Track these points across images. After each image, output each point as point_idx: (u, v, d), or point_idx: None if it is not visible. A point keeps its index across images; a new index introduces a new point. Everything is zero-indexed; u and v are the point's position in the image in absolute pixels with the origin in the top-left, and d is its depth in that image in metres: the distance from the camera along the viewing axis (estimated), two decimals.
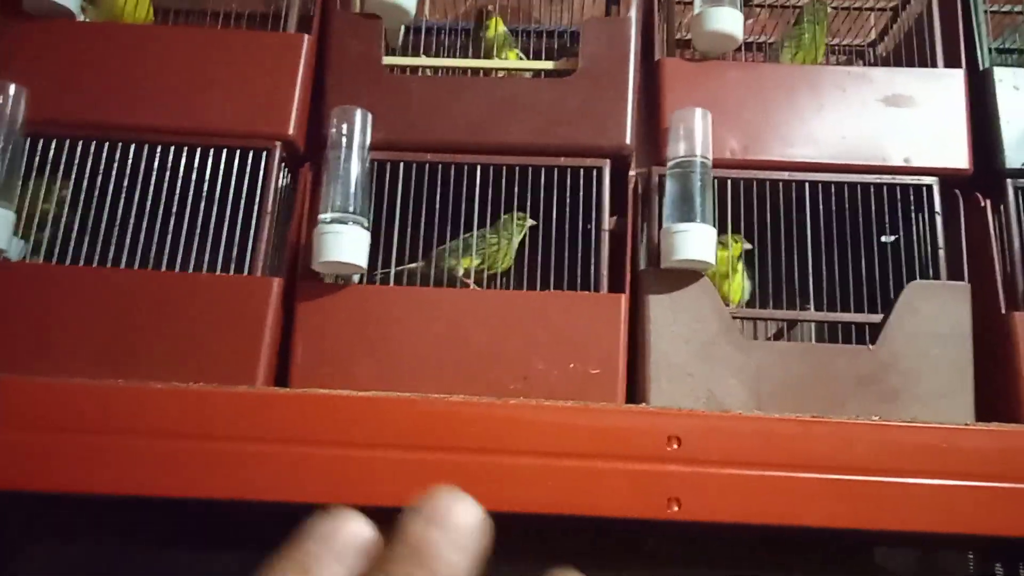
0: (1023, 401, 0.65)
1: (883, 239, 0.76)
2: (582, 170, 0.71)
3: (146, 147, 0.70)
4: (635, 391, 0.66)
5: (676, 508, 0.57)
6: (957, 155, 0.73)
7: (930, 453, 0.59)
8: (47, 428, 0.58)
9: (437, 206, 0.70)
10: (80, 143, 0.70)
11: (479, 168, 0.71)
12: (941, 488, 0.59)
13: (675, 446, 0.58)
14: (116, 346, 0.64)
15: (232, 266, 0.67)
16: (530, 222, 0.72)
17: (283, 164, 0.71)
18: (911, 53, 0.79)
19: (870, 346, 0.67)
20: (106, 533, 0.82)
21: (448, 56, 0.78)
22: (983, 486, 0.59)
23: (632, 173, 0.75)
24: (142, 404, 0.58)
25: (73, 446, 0.58)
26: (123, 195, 0.69)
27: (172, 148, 0.70)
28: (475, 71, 0.75)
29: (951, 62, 0.76)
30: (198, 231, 0.69)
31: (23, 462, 0.58)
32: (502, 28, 0.77)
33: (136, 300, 0.65)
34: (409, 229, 0.70)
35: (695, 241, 0.66)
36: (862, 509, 0.58)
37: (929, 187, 0.72)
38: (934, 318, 0.68)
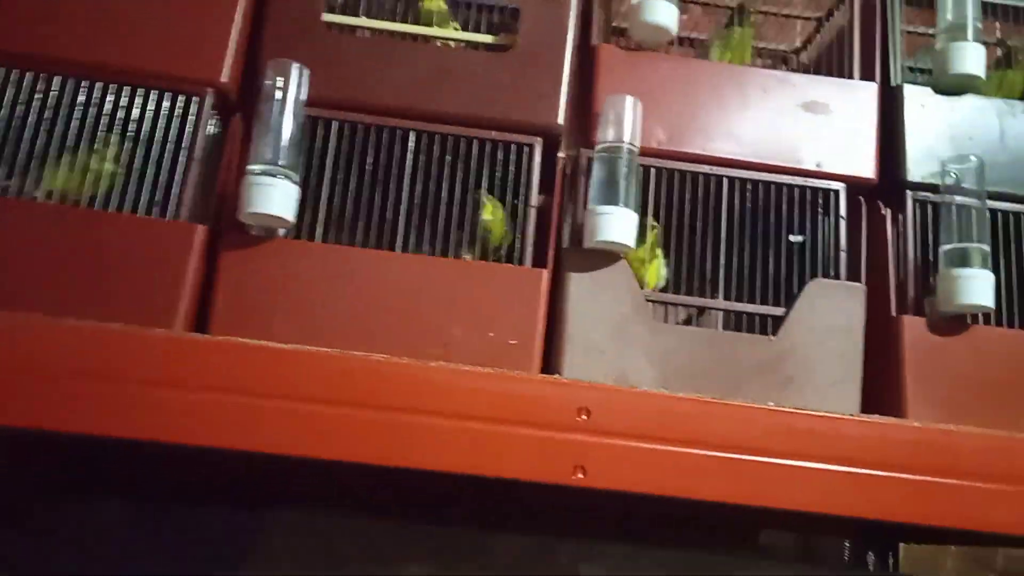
0: (904, 397, 0.70)
1: (791, 238, 0.80)
2: (513, 145, 0.73)
3: (70, 81, 0.68)
4: (550, 363, 0.68)
5: (581, 475, 0.59)
6: (864, 164, 0.78)
7: (816, 439, 0.64)
8: None
9: (368, 167, 0.71)
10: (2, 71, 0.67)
11: (412, 133, 0.72)
12: (824, 472, 0.63)
13: (584, 417, 0.60)
14: (33, 281, 0.62)
15: (156, 209, 0.66)
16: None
17: (214, 111, 0.70)
18: (831, 63, 0.83)
19: (771, 336, 0.71)
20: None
21: (388, 20, 0.78)
22: (862, 472, 0.63)
23: (561, 154, 0.77)
24: (56, 340, 0.57)
25: None
26: (44, 129, 0.67)
27: (99, 84, 0.68)
28: (414, 37, 0.76)
29: (867, 75, 0.81)
30: (123, 170, 0.67)
31: None
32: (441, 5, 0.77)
33: (57, 236, 0.63)
34: (339, 187, 0.71)
35: (617, 224, 0.69)
36: (753, 487, 0.62)
37: (836, 192, 0.77)
38: (831, 314, 0.72)
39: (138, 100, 0.69)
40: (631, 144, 0.72)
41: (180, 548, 0.77)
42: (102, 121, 0.68)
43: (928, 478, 0.64)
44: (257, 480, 0.81)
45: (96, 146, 0.67)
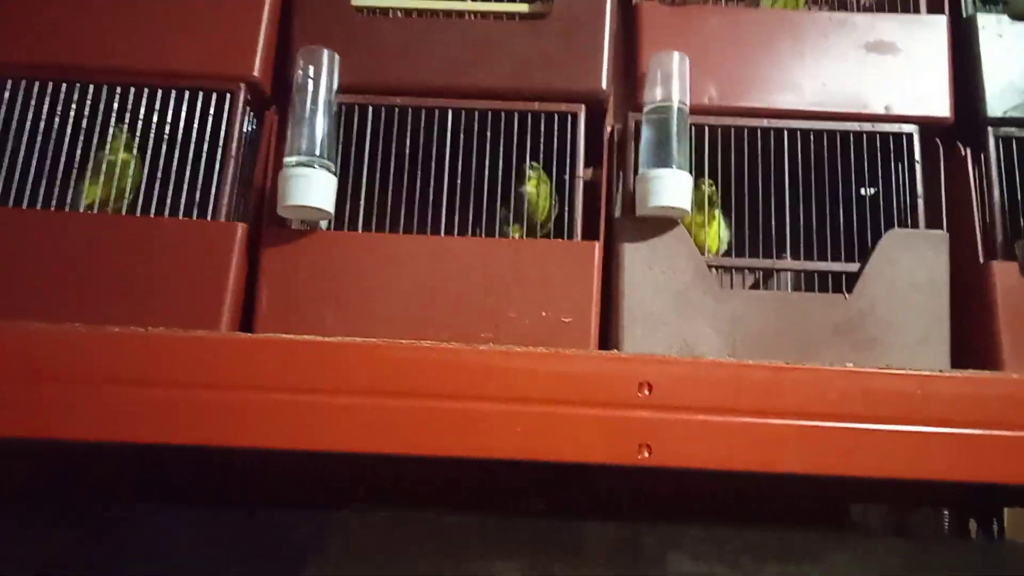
0: (999, 348, 0.64)
1: (862, 192, 0.74)
2: (556, 115, 0.69)
3: (105, 88, 0.68)
4: (608, 340, 0.65)
5: (647, 454, 0.56)
6: (938, 103, 0.72)
7: (905, 399, 0.59)
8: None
9: (407, 151, 0.69)
10: (36, 83, 0.67)
11: (450, 112, 0.69)
12: (916, 435, 0.58)
13: (646, 392, 0.57)
14: (76, 291, 0.62)
15: (195, 211, 0.66)
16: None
17: (248, 107, 0.69)
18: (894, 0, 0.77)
19: (847, 295, 0.67)
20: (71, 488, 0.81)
21: None
22: (958, 432, 0.58)
23: (608, 123, 0.73)
24: (102, 348, 0.56)
25: (29, 392, 0.56)
26: (82, 137, 0.67)
27: (132, 89, 0.68)
28: (447, 13, 0.73)
29: (934, 8, 0.75)
30: (159, 174, 0.67)
31: None
32: None
33: (98, 244, 0.63)
34: (378, 174, 0.69)
35: (670, 187, 0.65)
36: (836, 455, 0.57)
37: (909, 136, 0.71)
38: (911, 267, 0.67)
39: (171, 101, 0.68)
40: (680, 102, 0.67)
41: (248, 551, 0.77)
42: (137, 126, 0.68)
43: None
44: (320, 481, 0.79)
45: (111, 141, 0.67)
